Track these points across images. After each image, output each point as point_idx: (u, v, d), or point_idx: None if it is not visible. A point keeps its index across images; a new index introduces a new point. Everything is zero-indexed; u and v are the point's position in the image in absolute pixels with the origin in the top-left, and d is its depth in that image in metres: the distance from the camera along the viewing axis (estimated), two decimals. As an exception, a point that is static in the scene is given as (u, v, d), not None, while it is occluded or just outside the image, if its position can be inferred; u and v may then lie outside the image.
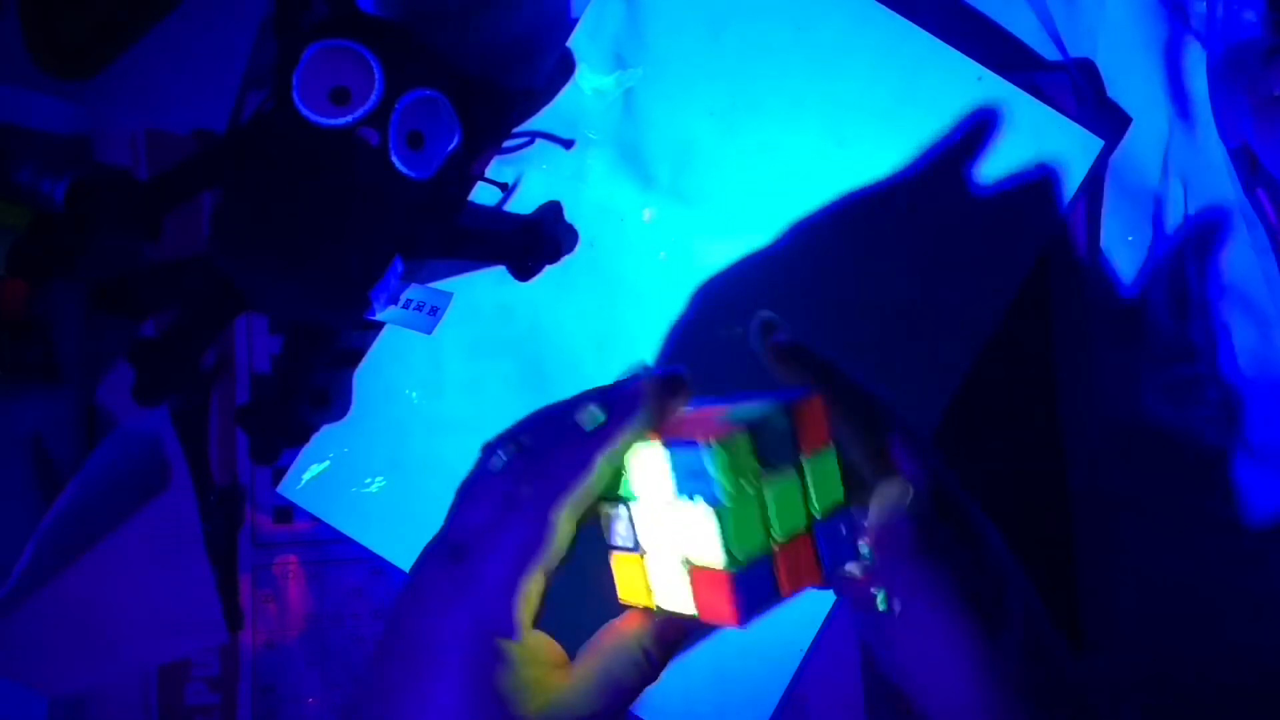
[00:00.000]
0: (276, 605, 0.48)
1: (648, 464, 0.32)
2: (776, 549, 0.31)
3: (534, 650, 0.32)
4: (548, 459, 0.32)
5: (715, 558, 0.30)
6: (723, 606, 0.31)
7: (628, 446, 0.32)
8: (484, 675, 0.30)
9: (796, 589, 0.32)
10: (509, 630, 0.31)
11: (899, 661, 0.34)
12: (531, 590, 0.31)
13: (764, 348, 0.36)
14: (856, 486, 0.34)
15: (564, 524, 0.31)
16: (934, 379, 0.47)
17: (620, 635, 0.33)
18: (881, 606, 0.33)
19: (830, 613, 0.46)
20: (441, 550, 0.33)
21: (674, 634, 0.33)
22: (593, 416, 0.32)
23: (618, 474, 0.32)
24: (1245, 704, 0.48)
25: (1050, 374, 0.49)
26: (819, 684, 0.47)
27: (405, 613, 0.33)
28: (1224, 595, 0.48)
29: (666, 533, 0.32)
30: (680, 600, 0.32)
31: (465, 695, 0.30)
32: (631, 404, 0.32)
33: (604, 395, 0.33)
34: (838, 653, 0.47)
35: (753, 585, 0.31)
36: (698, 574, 0.31)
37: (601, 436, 0.31)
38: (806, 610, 0.46)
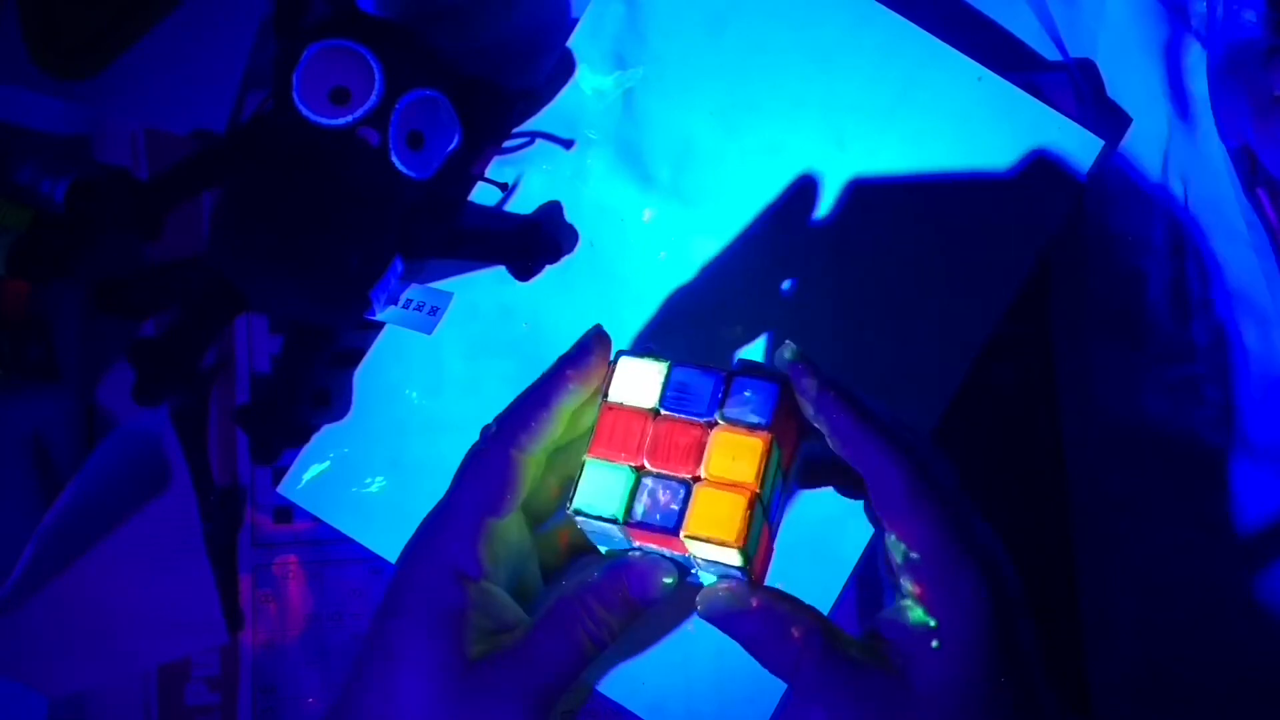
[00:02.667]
0: (276, 605, 0.48)
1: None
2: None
3: (493, 599, 0.34)
4: (509, 408, 0.35)
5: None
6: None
7: (580, 392, 0.35)
8: (446, 615, 0.33)
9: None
10: (474, 570, 0.33)
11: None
12: (495, 531, 0.34)
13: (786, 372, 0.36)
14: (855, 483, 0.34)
15: (524, 463, 0.34)
16: (934, 379, 0.47)
17: (564, 590, 0.34)
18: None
19: (830, 613, 0.46)
20: (434, 508, 0.35)
21: (617, 597, 0.34)
22: (551, 365, 0.35)
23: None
24: (1245, 704, 0.48)
25: (1050, 374, 0.49)
26: None
27: (395, 570, 0.35)
28: (1224, 595, 0.48)
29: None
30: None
31: (420, 631, 0.33)
32: (584, 349, 0.35)
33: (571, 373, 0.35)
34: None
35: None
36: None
37: (554, 378, 0.35)
38: (806, 610, 0.46)
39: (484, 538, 0.34)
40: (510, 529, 0.35)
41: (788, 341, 0.34)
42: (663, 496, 0.32)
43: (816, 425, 0.33)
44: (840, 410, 0.32)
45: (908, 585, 0.32)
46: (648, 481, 0.33)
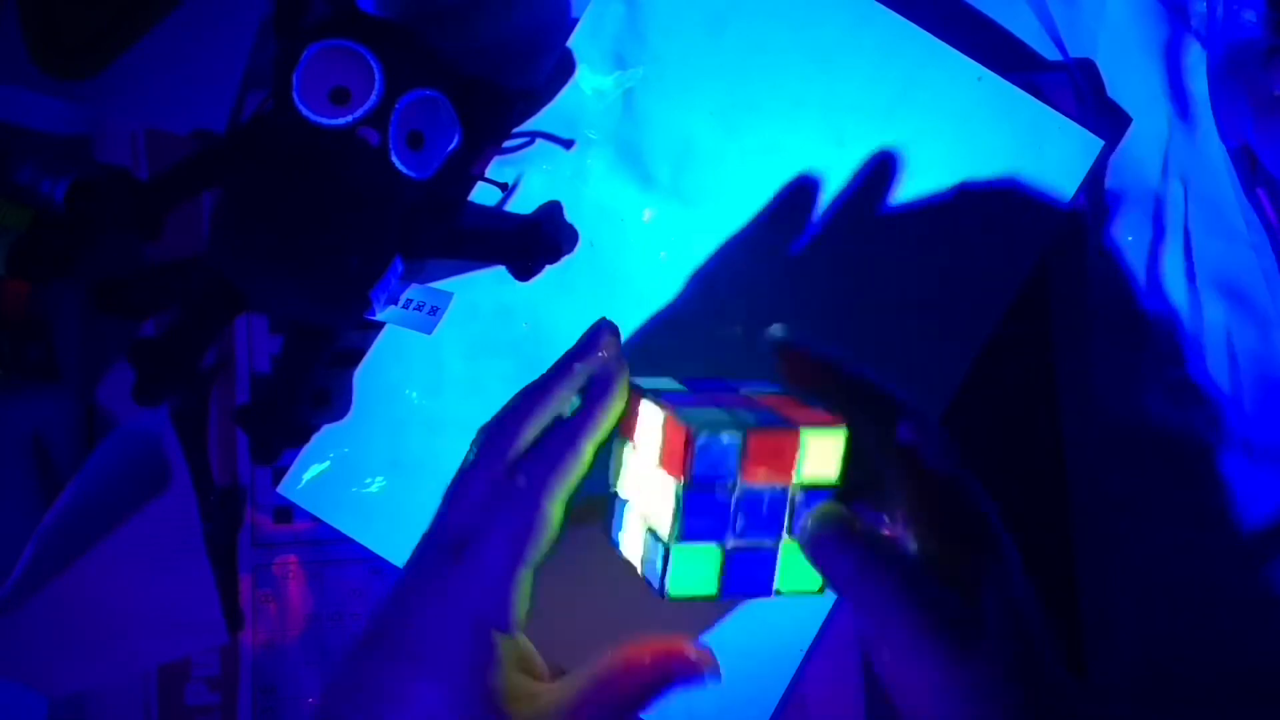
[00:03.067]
0: (276, 605, 0.48)
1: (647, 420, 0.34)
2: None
3: (523, 653, 0.32)
4: (536, 450, 0.33)
5: (664, 529, 0.33)
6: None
7: (608, 427, 0.33)
8: (477, 670, 0.31)
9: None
10: (505, 623, 0.31)
11: (887, 668, 0.33)
12: (527, 582, 0.32)
13: (771, 352, 0.36)
14: (873, 479, 0.34)
15: (556, 511, 0.32)
16: (934, 379, 0.47)
17: (609, 661, 0.33)
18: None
19: (830, 613, 0.46)
20: (438, 547, 0.33)
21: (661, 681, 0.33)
22: (571, 404, 0.34)
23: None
24: (1245, 704, 0.48)
25: (1050, 374, 0.49)
26: (819, 684, 0.47)
27: (398, 610, 0.33)
28: (1224, 595, 0.48)
29: (640, 491, 0.34)
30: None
31: (456, 692, 0.31)
32: (605, 385, 0.34)
33: (579, 366, 0.35)
34: (838, 653, 0.47)
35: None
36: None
37: (582, 421, 0.33)
38: (807, 610, 0.46)
39: (516, 593, 0.32)
40: (530, 582, 0.33)
41: (774, 327, 0.34)
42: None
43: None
44: (840, 560, 0.32)
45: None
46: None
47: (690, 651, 0.33)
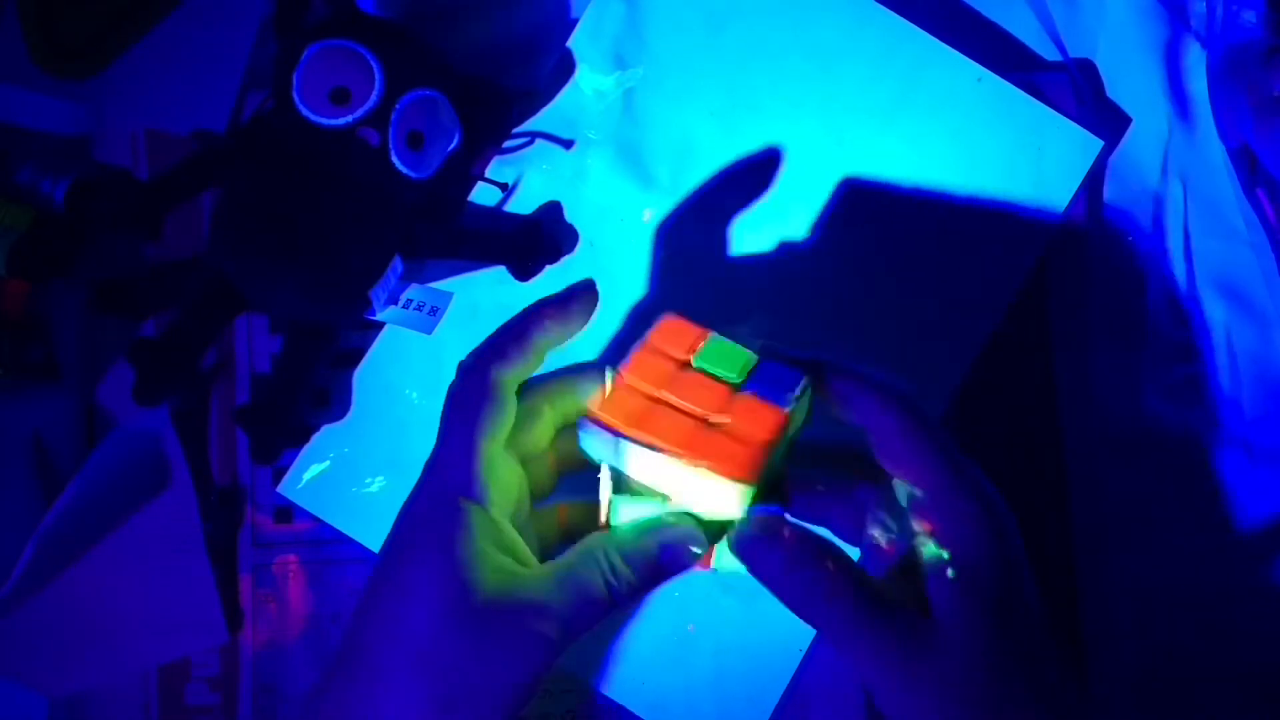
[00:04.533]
0: (276, 605, 0.48)
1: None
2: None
3: (503, 534, 0.33)
4: (485, 340, 0.35)
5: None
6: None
7: (557, 329, 0.35)
8: (445, 541, 0.32)
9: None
10: (470, 490, 0.32)
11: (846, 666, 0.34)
12: (489, 456, 0.33)
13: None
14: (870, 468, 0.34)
15: (503, 384, 0.34)
16: (934, 379, 0.47)
17: (590, 539, 0.33)
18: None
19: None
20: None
21: (642, 555, 0.33)
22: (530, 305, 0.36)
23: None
24: (1245, 704, 0.48)
25: (1050, 374, 0.49)
26: (819, 684, 0.47)
27: (402, 506, 0.34)
28: (1224, 595, 0.48)
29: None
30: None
31: (424, 567, 0.32)
32: (565, 296, 0.36)
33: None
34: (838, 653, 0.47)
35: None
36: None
37: (532, 315, 0.35)
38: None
39: (478, 460, 0.33)
40: (504, 462, 0.34)
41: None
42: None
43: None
44: (838, 373, 0.34)
45: (918, 526, 0.33)
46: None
47: (678, 530, 0.33)
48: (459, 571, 0.31)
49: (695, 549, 0.33)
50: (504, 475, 0.34)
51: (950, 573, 0.32)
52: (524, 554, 0.34)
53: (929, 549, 0.32)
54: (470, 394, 0.34)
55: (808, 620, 0.32)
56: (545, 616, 0.31)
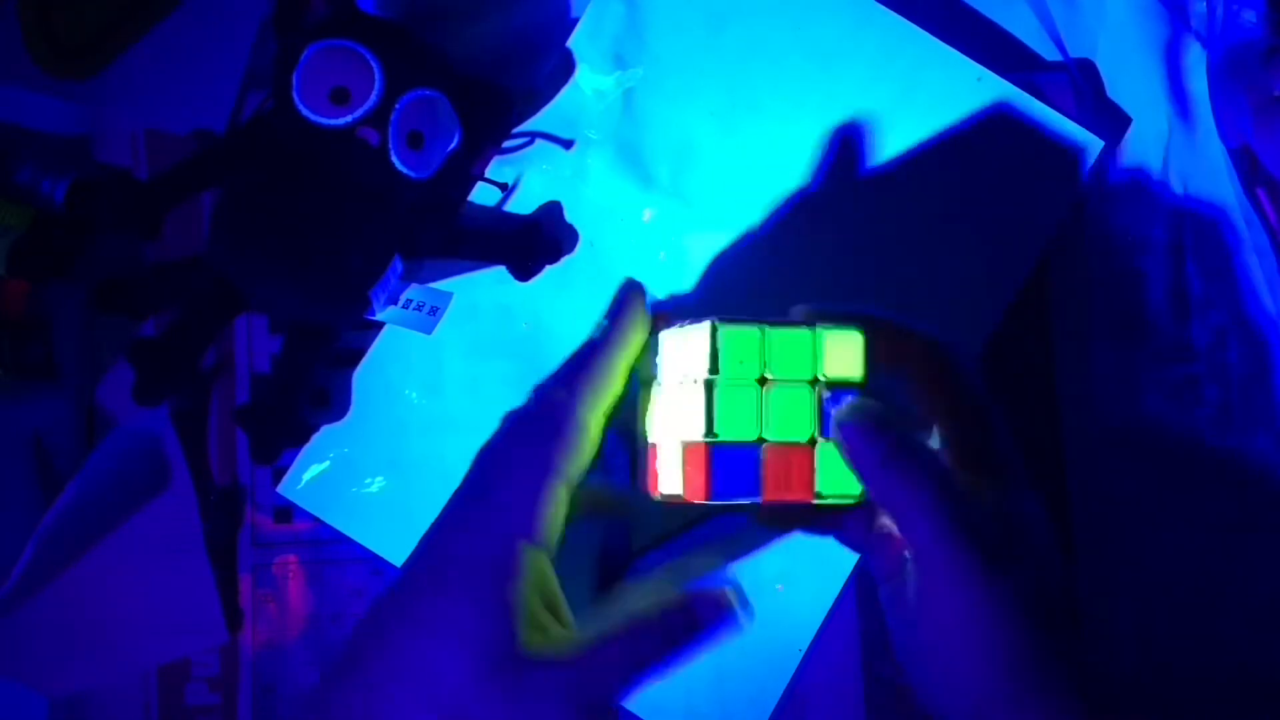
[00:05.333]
0: (276, 605, 0.48)
1: (669, 352, 0.34)
2: (766, 448, 0.32)
3: (548, 583, 0.30)
4: (573, 364, 0.33)
5: (698, 430, 0.31)
6: (698, 479, 0.31)
7: (635, 343, 0.33)
8: (499, 582, 0.29)
9: (778, 497, 0.32)
10: (531, 533, 0.30)
11: (919, 641, 0.33)
12: (558, 498, 0.31)
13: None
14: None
15: (591, 422, 0.32)
16: (934, 379, 0.47)
17: (631, 605, 0.31)
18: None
19: (830, 612, 0.46)
20: (467, 483, 0.32)
21: (690, 633, 0.31)
22: (599, 327, 0.34)
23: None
24: (1245, 704, 0.48)
25: (1050, 374, 0.49)
26: (819, 684, 0.47)
27: (426, 543, 0.31)
28: (1224, 595, 0.48)
29: (670, 416, 0.34)
30: (673, 482, 0.33)
31: (473, 605, 0.29)
32: (624, 301, 0.34)
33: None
34: (838, 653, 0.47)
35: (731, 468, 0.32)
36: (688, 451, 0.32)
37: (608, 333, 0.33)
38: (807, 610, 0.46)
39: (547, 502, 0.30)
40: (564, 504, 0.32)
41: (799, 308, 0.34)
42: None
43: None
44: (867, 448, 0.32)
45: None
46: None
47: (718, 597, 0.32)
48: (503, 619, 0.29)
49: (737, 620, 0.32)
50: (562, 515, 0.32)
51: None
52: (563, 608, 0.31)
53: None
54: (551, 429, 0.31)
55: (897, 515, 0.31)
56: (580, 688, 0.29)
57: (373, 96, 0.43)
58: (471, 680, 0.29)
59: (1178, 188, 0.51)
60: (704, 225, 0.49)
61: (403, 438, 0.48)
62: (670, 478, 0.34)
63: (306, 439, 0.48)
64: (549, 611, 0.30)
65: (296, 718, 0.31)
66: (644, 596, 0.33)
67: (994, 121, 0.48)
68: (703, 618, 0.31)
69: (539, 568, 0.30)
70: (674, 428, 0.34)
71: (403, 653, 0.30)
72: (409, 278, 0.46)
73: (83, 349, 0.49)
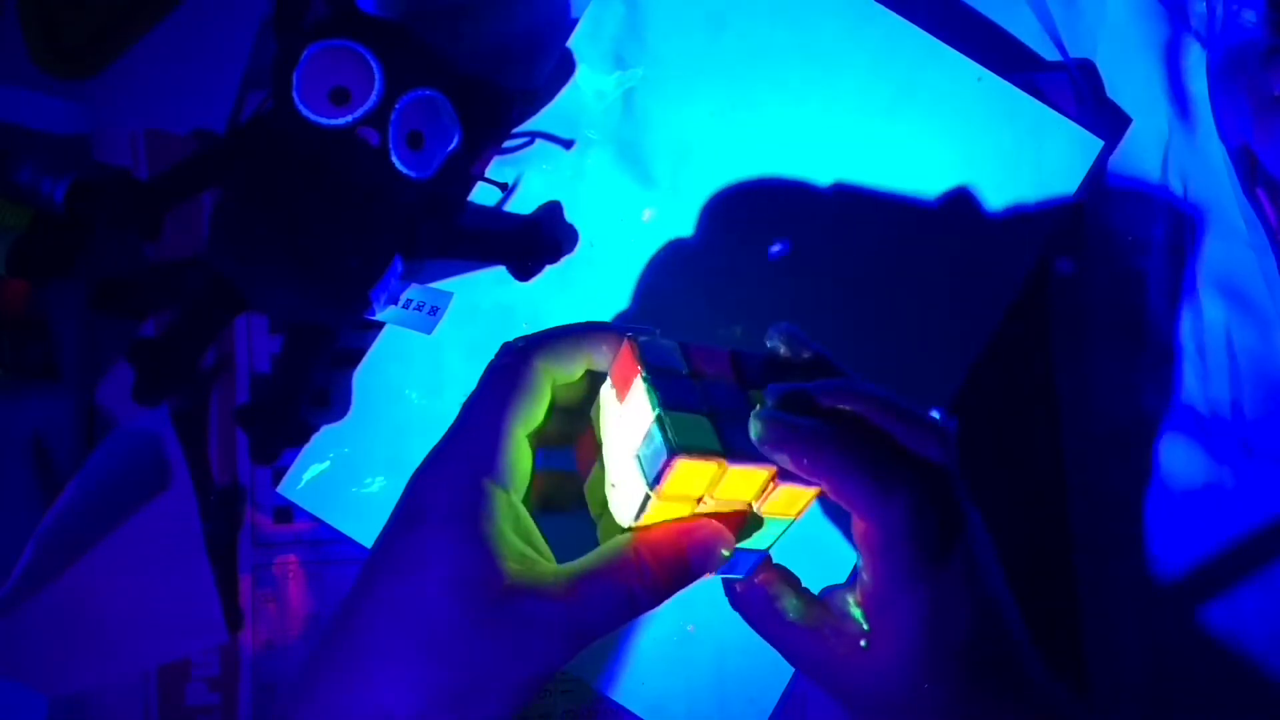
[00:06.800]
0: (276, 605, 0.48)
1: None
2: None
3: (523, 521, 0.32)
4: (539, 332, 0.34)
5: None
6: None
7: (610, 349, 0.33)
8: (471, 516, 0.30)
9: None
10: (494, 471, 0.31)
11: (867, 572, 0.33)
12: (519, 444, 0.32)
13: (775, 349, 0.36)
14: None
15: (548, 378, 0.33)
16: (934, 380, 0.47)
17: (620, 541, 0.32)
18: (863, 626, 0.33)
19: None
20: (446, 432, 0.34)
21: (674, 556, 0.32)
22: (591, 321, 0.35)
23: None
24: (1245, 705, 0.48)
25: (1050, 375, 0.49)
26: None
27: (408, 486, 0.33)
28: (1223, 595, 0.48)
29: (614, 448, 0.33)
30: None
31: (452, 540, 0.30)
32: (625, 327, 0.34)
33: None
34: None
35: None
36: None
37: (591, 328, 0.34)
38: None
39: (509, 445, 0.32)
40: (525, 452, 0.33)
41: (774, 328, 0.35)
42: None
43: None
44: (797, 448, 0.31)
45: (854, 594, 0.33)
46: None
47: (705, 531, 0.32)
48: (482, 551, 0.30)
49: (724, 550, 0.32)
50: (525, 464, 0.33)
51: (863, 644, 0.32)
52: (542, 545, 0.32)
53: (856, 611, 0.33)
54: (508, 378, 0.33)
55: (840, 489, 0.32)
56: (567, 615, 0.30)
57: (373, 96, 0.43)
58: (458, 614, 0.29)
59: (1178, 188, 0.51)
60: (704, 225, 0.49)
61: (403, 438, 0.48)
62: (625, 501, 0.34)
63: (306, 439, 0.48)
64: (528, 544, 0.31)
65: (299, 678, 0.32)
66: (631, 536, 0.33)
67: (994, 121, 0.48)
68: (690, 549, 0.32)
69: (510, 504, 0.31)
70: (624, 450, 0.33)
71: (389, 593, 0.30)
72: (409, 278, 0.46)
73: (83, 349, 0.49)
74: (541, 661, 0.30)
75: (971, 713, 0.32)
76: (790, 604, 0.34)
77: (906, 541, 0.31)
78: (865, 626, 0.32)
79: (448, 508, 0.31)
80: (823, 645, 0.33)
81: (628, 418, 0.32)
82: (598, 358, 0.34)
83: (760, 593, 0.34)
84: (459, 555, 0.30)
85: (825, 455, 0.31)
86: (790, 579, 0.35)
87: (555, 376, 0.33)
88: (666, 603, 0.32)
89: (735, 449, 0.31)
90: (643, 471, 0.31)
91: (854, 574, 0.33)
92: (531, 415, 0.33)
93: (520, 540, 0.31)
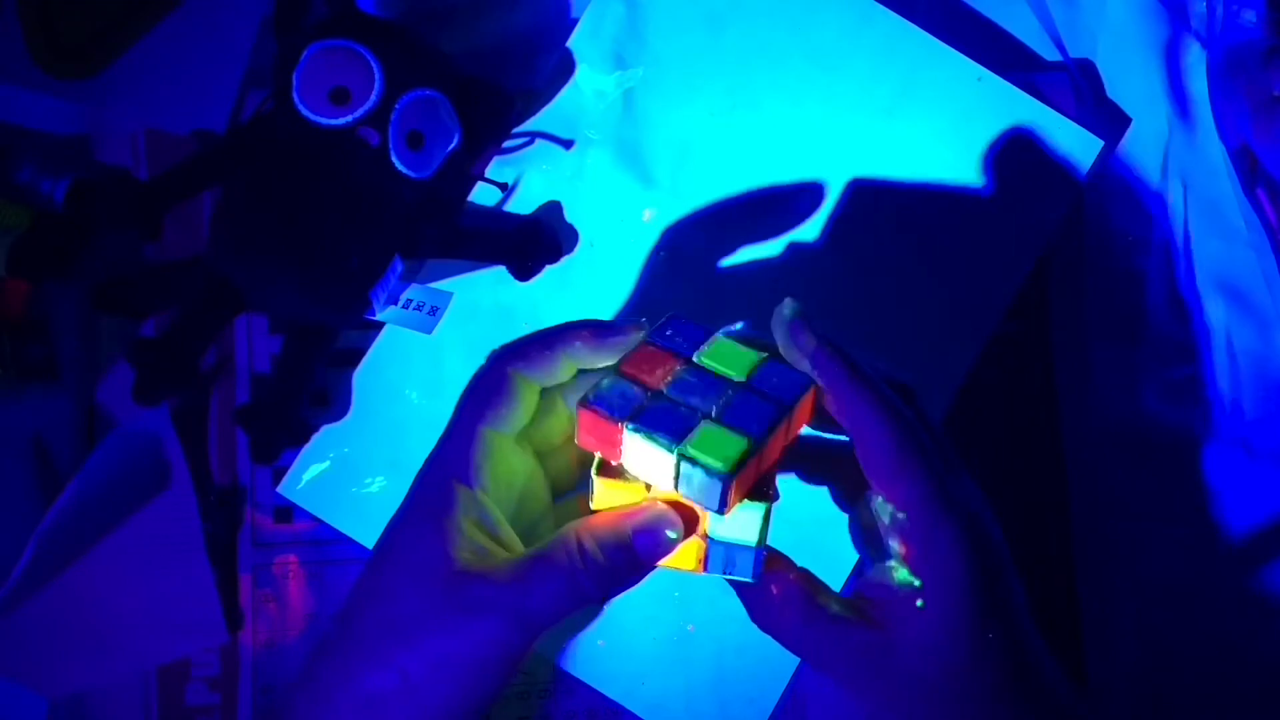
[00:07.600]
0: (276, 605, 0.48)
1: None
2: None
3: (485, 515, 0.33)
4: (519, 338, 0.36)
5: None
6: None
7: (589, 351, 0.35)
8: (434, 514, 0.33)
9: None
10: (464, 474, 0.34)
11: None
12: (492, 444, 0.34)
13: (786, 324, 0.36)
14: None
15: (519, 382, 0.35)
16: (934, 380, 0.47)
17: (565, 526, 0.33)
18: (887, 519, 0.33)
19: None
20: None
21: (615, 540, 0.32)
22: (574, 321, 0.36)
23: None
24: (1245, 704, 0.48)
25: (1050, 374, 0.49)
26: (817, 684, 0.47)
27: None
28: (1224, 595, 0.48)
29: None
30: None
31: (416, 535, 0.33)
32: (611, 328, 0.35)
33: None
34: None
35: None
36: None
37: (569, 330, 0.35)
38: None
39: (479, 447, 0.34)
40: (510, 452, 0.35)
41: (788, 299, 0.35)
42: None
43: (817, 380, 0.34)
44: (835, 366, 0.33)
45: (895, 546, 0.33)
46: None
47: (652, 512, 0.33)
48: (440, 543, 0.32)
49: (671, 533, 0.32)
50: (508, 466, 0.35)
51: (919, 603, 0.32)
52: (510, 541, 0.34)
53: (901, 573, 0.33)
54: (482, 386, 0.35)
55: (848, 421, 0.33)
56: (510, 599, 0.32)
57: (373, 96, 0.43)
58: (415, 600, 0.32)
59: (1178, 188, 0.51)
60: (704, 225, 0.49)
61: (403, 438, 0.48)
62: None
63: (306, 439, 0.48)
64: (491, 539, 0.33)
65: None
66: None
67: (994, 121, 0.48)
68: (635, 533, 0.32)
69: (471, 501, 0.33)
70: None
71: (368, 585, 0.34)
72: (409, 278, 0.46)
73: (83, 349, 0.49)
74: (489, 645, 0.32)
75: (1025, 661, 0.32)
76: (831, 600, 0.34)
77: (922, 452, 0.32)
78: (917, 583, 0.32)
79: (418, 507, 0.34)
80: (870, 632, 0.33)
81: (639, 468, 0.32)
82: (577, 356, 0.35)
83: (797, 593, 0.34)
84: (420, 547, 0.33)
85: (839, 355, 0.33)
86: (813, 577, 0.35)
87: (536, 380, 0.35)
88: (630, 590, 0.33)
89: (750, 431, 0.31)
90: (703, 504, 0.31)
91: (859, 568, 0.33)
92: (506, 419, 0.35)
93: (482, 534, 0.33)
